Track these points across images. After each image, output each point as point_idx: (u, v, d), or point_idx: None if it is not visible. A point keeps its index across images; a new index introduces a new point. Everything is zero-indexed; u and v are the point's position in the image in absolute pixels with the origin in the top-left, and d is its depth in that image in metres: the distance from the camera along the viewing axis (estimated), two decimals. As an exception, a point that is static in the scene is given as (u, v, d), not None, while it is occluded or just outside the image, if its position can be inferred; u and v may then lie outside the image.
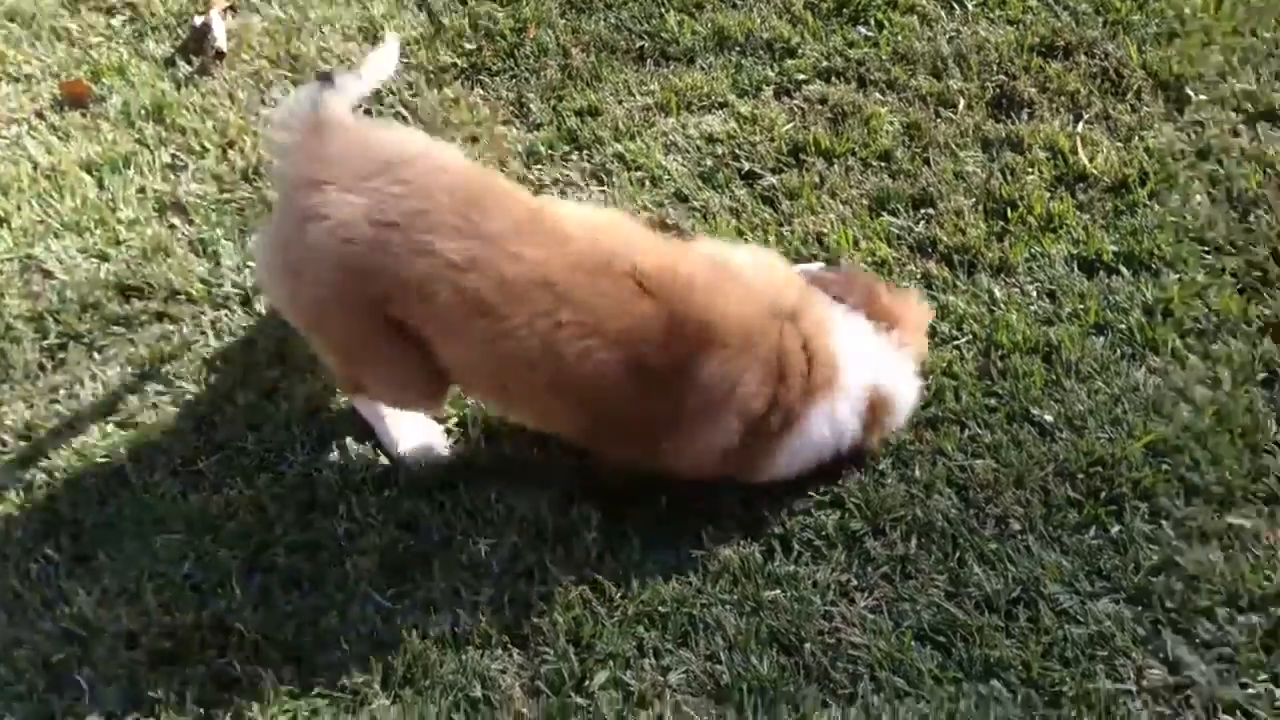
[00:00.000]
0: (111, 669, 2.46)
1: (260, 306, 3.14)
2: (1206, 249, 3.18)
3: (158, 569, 2.62)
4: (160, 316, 3.15)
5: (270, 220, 2.69)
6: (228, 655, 2.47)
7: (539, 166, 3.50)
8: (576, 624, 2.51)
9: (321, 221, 2.41)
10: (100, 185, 3.46)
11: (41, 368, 3.03)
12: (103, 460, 2.82)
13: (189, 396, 2.96)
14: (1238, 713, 2.31)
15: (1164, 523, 2.61)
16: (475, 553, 2.63)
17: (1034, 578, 2.53)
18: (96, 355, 3.05)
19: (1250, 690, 2.34)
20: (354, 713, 2.40)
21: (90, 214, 3.37)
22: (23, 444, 2.88)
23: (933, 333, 3.01)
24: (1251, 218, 3.23)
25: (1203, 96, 3.57)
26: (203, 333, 3.12)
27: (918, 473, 2.73)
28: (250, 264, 3.24)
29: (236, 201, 3.42)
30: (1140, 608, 2.48)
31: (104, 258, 3.26)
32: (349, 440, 2.85)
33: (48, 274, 3.22)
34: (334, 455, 2.83)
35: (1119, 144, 3.45)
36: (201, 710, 2.39)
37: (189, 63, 3.83)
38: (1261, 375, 2.88)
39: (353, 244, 2.40)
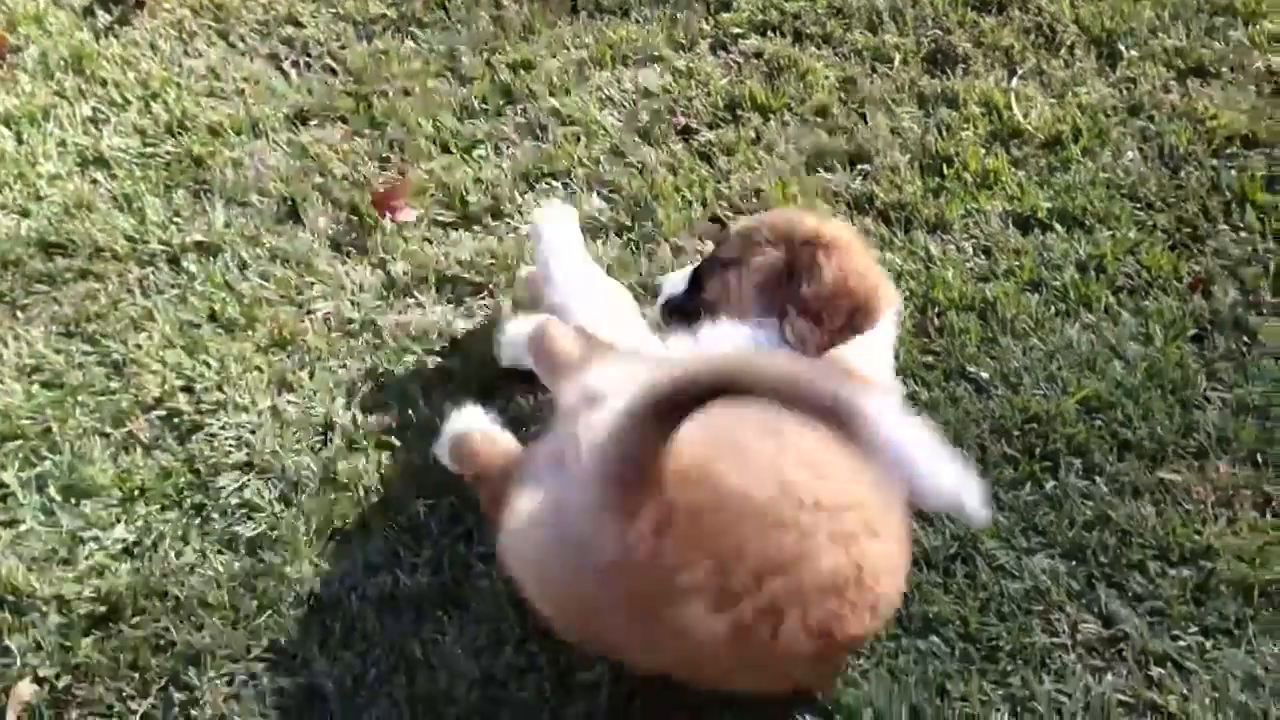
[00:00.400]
0: (43, 634, 2.40)
1: (189, 264, 3.07)
2: (1138, 205, 3.22)
3: (89, 533, 2.56)
4: (85, 274, 3.07)
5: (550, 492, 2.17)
6: (163, 619, 2.42)
7: (472, 121, 3.45)
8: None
9: (676, 628, 1.98)
10: (19, 139, 3.35)
11: (-39, 328, 2.94)
12: (28, 422, 2.75)
13: (116, 356, 2.89)
14: (1169, 664, 2.36)
15: (1097, 478, 2.65)
16: (414, 514, 2.60)
17: (971, 534, 2.55)
18: (19, 314, 2.96)
19: (1181, 642, 2.39)
20: (293, 675, 2.37)
21: (9, 169, 3.27)
22: (-56, 407, 2.80)
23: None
24: (1182, 174, 3.27)
25: (1134, 52, 3.61)
26: (129, 291, 3.04)
27: (856, 430, 2.73)
28: (178, 219, 3.16)
29: (161, 156, 3.33)
30: (1074, 562, 2.52)
31: (25, 214, 3.17)
32: (286, 399, 2.81)
33: (-35, 231, 3.12)
34: (269, 416, 2.78)
35: (1052, 100, 3.48)
36: (137, 675, 2.34)
37: (109, 11, 3.72)
38: (1191, 331, 2.92)
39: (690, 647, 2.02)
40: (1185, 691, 2.31)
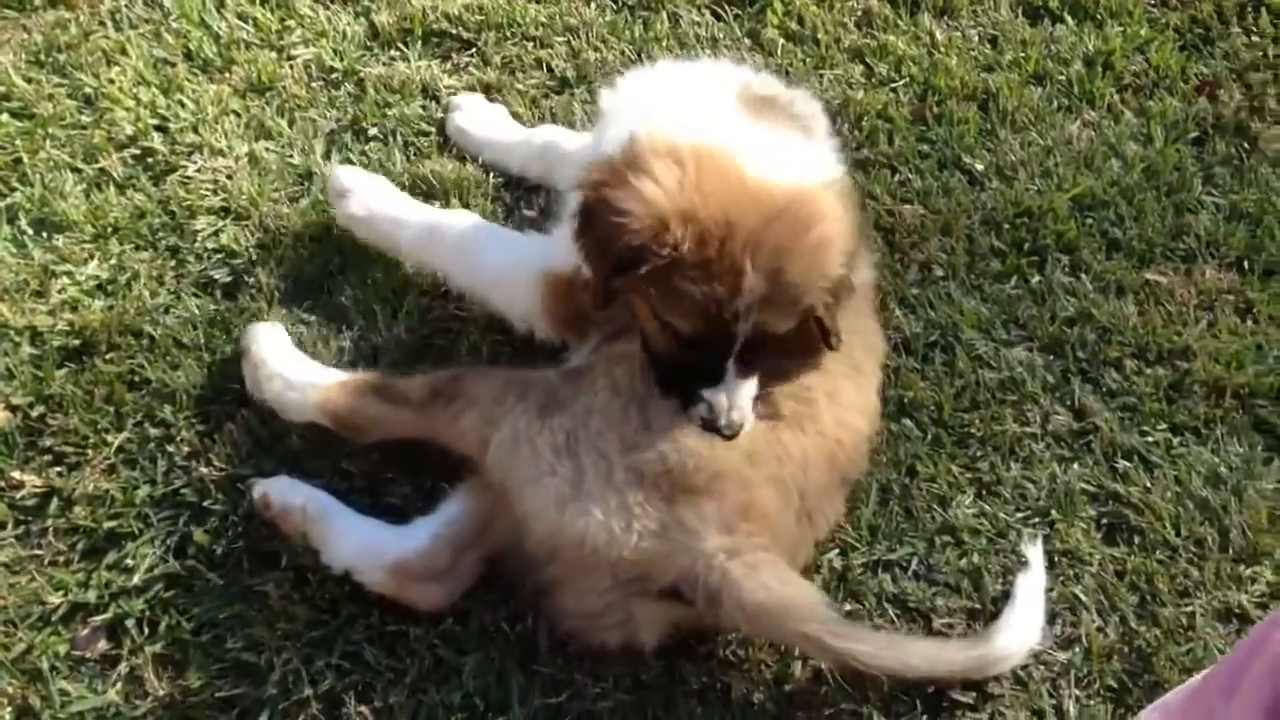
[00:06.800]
0: (15, 363, 2.38)
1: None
2: (1153, 1, 3.13)
3: (62, 267, 2.52)
4: (54, 2, 2.95)
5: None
6: (137, 357, 2.40)
7: None
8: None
9: None
10: None
11: (-73, 50, 2.83)
12: (-1, 150, 2.68)
13: (88, 90, 2.79)
14: (1135, 458, 2.39)
15: (1083, 276, 2.64)
16: (393, 271, 2.54)
17: (952, 323, 2.55)
18: (-14, 40, 2.85)
19: (1150, 438, 2.42)
20: (269, 420, 2.33)
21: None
22: (-91, 132, 2.71)
23: (869, 73, 2.95)
24: (1202, -28, 3.17)
25: None
26: (101, 23, 2.93)
27: (846, 214, 2.69)
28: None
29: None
30: (1052, 356, 2.53)
31: (-10, -63, 3.01)
32: (264, 146, 2.74)
33: (-73, -54, 2.97)
34: (246, 162, 2.71)
35: (1077, -116, 3.33)
36: (111, 409, 2.34)
37: None
38: (1193, 134, 2.88)
39: None
40: (1148, 484, 2.35)
